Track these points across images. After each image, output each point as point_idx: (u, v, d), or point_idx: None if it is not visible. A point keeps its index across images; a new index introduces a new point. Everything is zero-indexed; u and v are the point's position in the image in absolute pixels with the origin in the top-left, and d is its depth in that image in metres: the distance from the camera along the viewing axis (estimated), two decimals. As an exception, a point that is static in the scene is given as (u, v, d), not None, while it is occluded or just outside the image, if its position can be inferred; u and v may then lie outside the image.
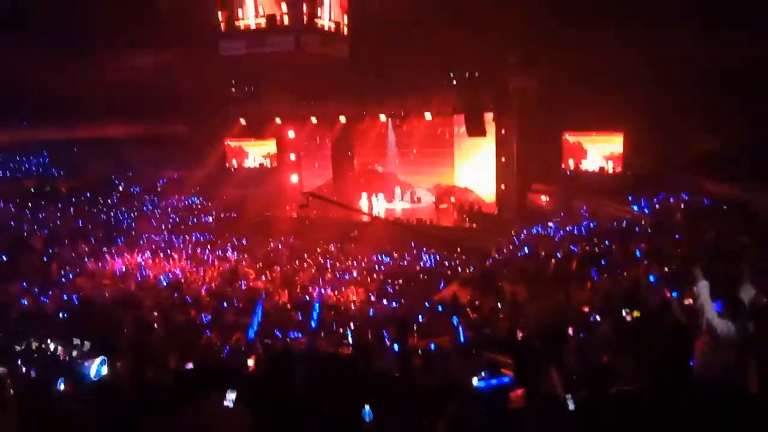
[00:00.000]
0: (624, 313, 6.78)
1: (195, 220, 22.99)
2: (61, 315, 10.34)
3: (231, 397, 3.60)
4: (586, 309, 8.13)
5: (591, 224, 16.91)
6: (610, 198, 18.45)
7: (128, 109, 24.77)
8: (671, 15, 16.86)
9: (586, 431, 4.21)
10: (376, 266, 17.86)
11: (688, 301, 6.16)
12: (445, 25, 20.36)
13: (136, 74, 23.55)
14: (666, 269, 9.11)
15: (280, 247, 20.47)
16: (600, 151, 20.50)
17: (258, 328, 8.46)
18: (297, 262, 18.12)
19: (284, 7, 16.82)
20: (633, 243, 12.35)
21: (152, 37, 20.51)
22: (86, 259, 16.24)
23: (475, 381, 5.00)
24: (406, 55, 20.41)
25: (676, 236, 11.85)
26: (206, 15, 17.75)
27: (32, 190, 21.77)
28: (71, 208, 20.94)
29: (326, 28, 17.91)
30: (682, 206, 15.10)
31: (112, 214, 21.81)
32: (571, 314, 8.01)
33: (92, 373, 5.17)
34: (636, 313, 6.58)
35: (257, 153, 26.89)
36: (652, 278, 8.54)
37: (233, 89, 24.11)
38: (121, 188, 24.36)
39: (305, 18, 16.72)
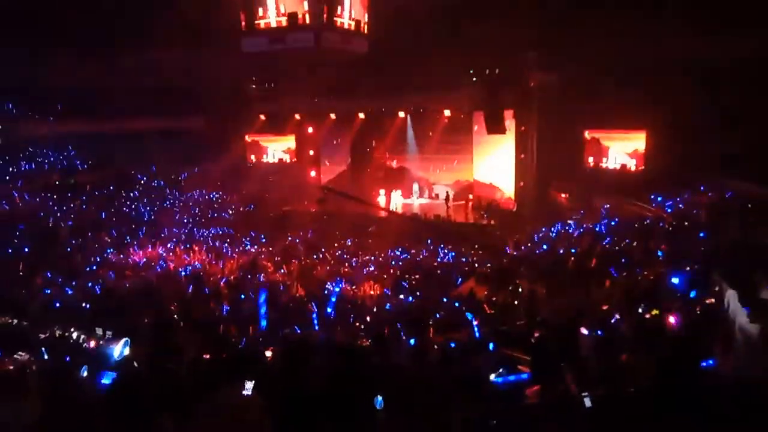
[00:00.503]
0: (642, 311, 6.70)
1: (215, 213, 23.26)
2: (84, 304, 10.56)
3: (249, 386, 3.65)
4: (605, 307, 8.05)
5: (611, 222, 16.72)
6: (631, 196, 18.22)
7: (152, 105, 25.14)
8: (694, 12, 16.58)
9: (601, 430, 4.20)
10: (393, 261, 17.89)
11: (709, 301, 6.08)
12: (465, 22, 20.26)
13: (159, 70, 23.88)
14: (687, 268, 8.97)
15: (297, 241, 20.62)
16: (621, 149, 20.24)
17: (273, 319, 8.55)
18: (314, 256, 18.23)
19: (305, 5, 16.89)
20: (653, 241, 12.19)
21: (175, 35, 20.76)
22: (109, 251, 16.55)
23: (492, 377, 5.00)
24: (425, 52, 20.34)
25: (699, 234, 11.66)
26: (229, 13, 17.91)
27: (57, 182, 22.24)
28: (95, 201, 21.34)
29: (346, 26, 17.94)
30: (705, 204, 14.85)
31: (134, 207, 22.17)
32: (590, 312, 7.94)
33: (116, 353, 5.29)
34: (655, 312, 6.50)
35: (277, 148, 27.10)
36: (672, 277, 8.42)
37: (254, 86, 24.29)
38: (143, 182, 24.74)
39: (325, 16, 16.77)
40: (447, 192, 23.17)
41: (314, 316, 9.55)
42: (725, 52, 15.80)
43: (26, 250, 15.90)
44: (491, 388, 4.88)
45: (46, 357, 6.02)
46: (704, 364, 4.71)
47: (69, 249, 16.34)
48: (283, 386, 4.07)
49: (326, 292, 12.87)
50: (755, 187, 14.57)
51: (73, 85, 23.36)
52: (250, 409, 3.67)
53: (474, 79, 20.22)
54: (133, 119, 25.57)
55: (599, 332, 6.61)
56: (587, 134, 20.77)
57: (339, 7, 17.52)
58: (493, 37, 19.23)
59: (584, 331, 6.26)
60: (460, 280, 14.98)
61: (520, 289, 11.93)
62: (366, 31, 19.29)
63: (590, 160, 20.85)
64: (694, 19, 16.63)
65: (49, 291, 11.96)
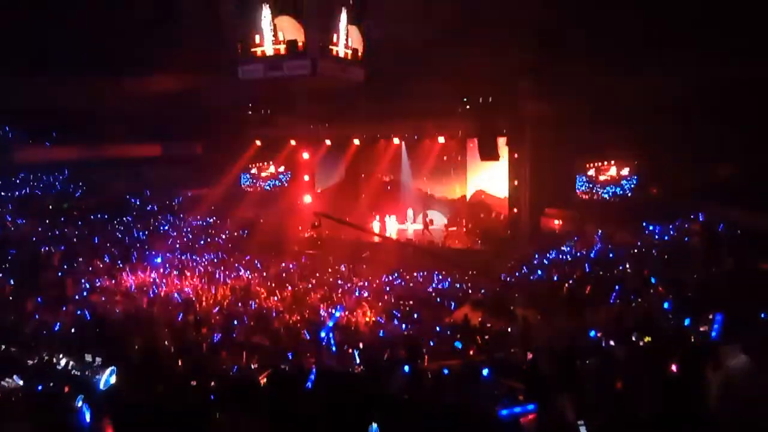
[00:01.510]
0: (635, 339, 6.69)
1: (208, 239, 23.16)
2: (73, 330, 10.42)
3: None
4: (599, 334, 8.03)
5: (605, 249, 16.78)
6: (624, 223, 18.33)
7: (147, 130, 25.28)
8: (686, 42, 16.96)
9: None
10: (387, 287, 17.81)
11: (703, 329, 6.09)
12: (459, 51, 20.62)
13: (155, 96, 24.07)
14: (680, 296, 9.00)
15: (291, 266, 20.52)
16: (615, 177, 20.46)
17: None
18: (308, 282, 18.13)
19: (302, 33, 17.10)
20: (647, 268, 12.23)
21: (172, 61, 20.98)
22: (100, 276, 16.39)
23: (497, 409, 4.93)
24: (421, 80, 20.66)
25: (692, 262, 11.72)
26: (226, 40, 18.13)
27: (50, 207, 22.12)
28: (88, 226, 21.22)
29: (342, 54, 18.19)
30: (698, 232, 14.95)
31: (127, 232, 22.04)
32: (584, 339, 7.92)
33: (101, 383, 5.20)
34: (647, 339, 6.50)
35: (271, 174, 27.22)
36: (666, 305, 8.43)
37: (250, 111, 24.49)
38: (137, 206, 24.67)
39: (320, 46, 17.00)
40: (429, 218, 23.33)
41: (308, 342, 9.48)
42: (713, 81, 16.15)
43: (17, 275, 15.73)
44: (497, 422, 4.80)
45: (34, 383, 5.93)
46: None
47: (60, 274, 16.18)
48: (277, 413, 4.02)
49: (321, 318, 12.78)
50: (748, 215, 14.71)
51: (69, 110, 23.47)
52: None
53: (468, 106, 20.46)
54: (129, 145, 25.68)
55: (594, 359, 6.60)
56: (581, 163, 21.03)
57: (336, 36, 17.79)
58: (486, 65, 19.58)
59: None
60: (453, 306, 14.93)
61: (514, 316, 11.89)
62: (362, 59, 19.55)
63: (584, 187, 21.06)
64: (683, 49, 17.02)
65: (38, 316, 11.82)
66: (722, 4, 15.87)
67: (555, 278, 14.56)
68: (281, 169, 27.04)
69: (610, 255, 15.61)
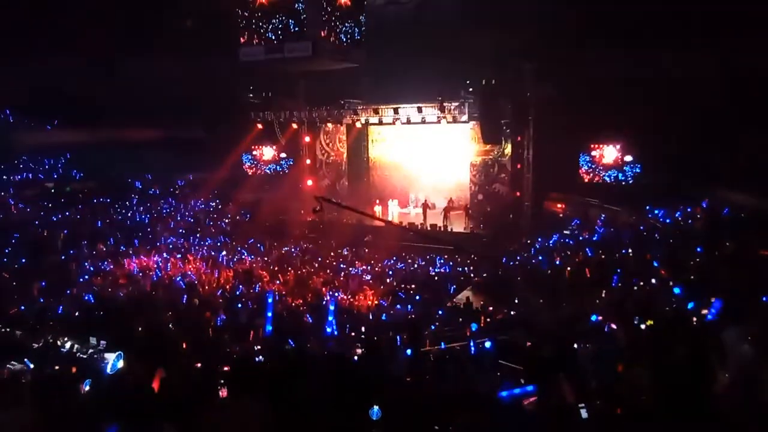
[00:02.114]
0: (637, 322, 6.70)
1: (211, 222, 23.19)
2: (77, 314, 10.49)
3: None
4: (600, 318, 8.05)
5: (607, 233, 16.76)
6: (627, 207, 18.28)
7: (149, 114, 25.16)
8: (687, 29, 16.79)
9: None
10: (389, 271, 17.86)
11: (705, 312, 6.10)
12: (463, 33, 20.41)
13: (158, 80, 23.94)
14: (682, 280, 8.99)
15: (294, 250, 20.57)
16: (618, 160, 20.36)
17: (273, 329, 8.51)
18: (311, 265, 18.18)
19: (304, 15, 16.90)
20: (649, 252, 12.21)
21: (174, 44, 20.83)
22: (104, 260, 16.45)
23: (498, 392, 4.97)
24: (423, 63, 20.48)
25: (695, 246, 11.68)
26: (227, 24, 17.97)
27: (52, 190, 22.13)
28: (91, 210, 21.24)
29: (343, 36, 18.04)
30: (700, 216, 14.90)
31: (130, 215, 22.08)
32: (585, 323, 7.94)
33: (108, 367, 5.25)
34: (649, 322, 6.51)
35: (274, 157, 27.16)
36: (677, 290, 8.42)
37: (251, 94, 24.36)
38: (139, 189, 24.67)
39: (322, 31, 16.83)
40: (431, 202, 23.31)
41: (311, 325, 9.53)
42: (716, 67, 16.02)
43: (21, 259, 15.80)
44: (496, 402, 4.84)
45: (40, 366, 5.98)
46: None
47: (64, 258, 16.25)
48: (280, 395, 4.05)
49: (323, 302, 12.83)
50: (750, 198, 14.64)
51: (71, 94, 23.39)
52: (245, 416, 3.66)
53: (471, 89, 20.30)
54: (131, 128, 25.58)
55: (595, 343, 6.63)
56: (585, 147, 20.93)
57: (337, 17, 17.62)
58: (490, 48, 19.39)
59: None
60: (454, 289, 14.98)
61: (516, 299, 11.93)
62: (363, 40, 19.38)
63: (587, 170, 20.98)
64: (685, 35, 16.86)
65: (42, 300, 11.90)
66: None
67: (557, 262, 14.57)
68: (283, 154, 26.96)
69: (612, 238, 15.60)
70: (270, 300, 8.85)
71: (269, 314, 8.69)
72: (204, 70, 23.75)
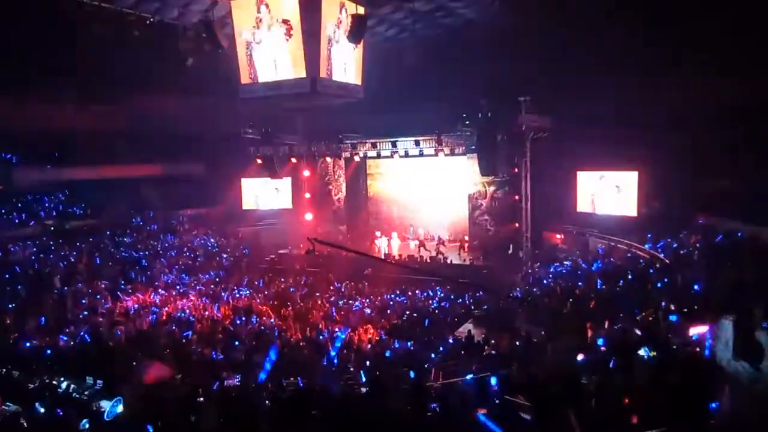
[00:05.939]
0: (641, 353, 6.63)
1: (210, 257, 23.10)
2: (74, 353, 10.34)
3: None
4: (604, 349, 7.97)
5: (607, 263, 16.73)
6: (626, 237, 18.30)
7: (148, 150, 25.42)
8: (684, 57, 17.15)
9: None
10: (390, 304, 17.72)
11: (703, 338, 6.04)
12: (459, 67, 20.82)
13: (156, 117, 24.27)
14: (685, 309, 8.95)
15: (293, 284, 20.44)
16: (616, 191, 20.44)
17: (272, 368, 8.38)
18: (310, 300, 18.03)
19: (302, 52, 17.14)
20: (650, 282, 12.18)
21: (175, 82, 21.17)
22: (102, 297, 16.32)
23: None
24: (420, 96, 20.82)
25: (695, 275, 11.66)
26: (227, 61, 18.27)
27: (52, 228, 22.08)
28: (90, 247, 21.16)
29: (342, 72, 18.33)
30: (699, 245, 14.92)
31: (128, 252, 21.96)
32: (589, 356, 7.85)
33: (106, 413, 5.15)
34: (653, 353, 6.44)
35: (273, 192, 27.30)
36: (671, 317, 8.39)
37: (251, 130, 24.65)
38: (139, 226, 24.64)
39: (320, 70, 17.07)
40: (429, 234, 23.30)
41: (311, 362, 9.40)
42: (713, 96, 16.31)
43: (18, 296, 15.67)
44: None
45: (36, 408, 5.87)
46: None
47: (61, 296, 16.11)
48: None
49: (321, 338, 12.70)
50: (746, 226, 14.70)
51: (72, 131, 23.64)
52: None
53: (468, 122, 20.55)
54: (132, 165, 25.79)
55: (600, 375, 6.54)
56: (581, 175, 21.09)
57: (335, 53, 17.91)
58: (486, 81, 19.76)
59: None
60: (457, 321, 14.85)
61: (518, 332, 11.81)
62: (362, 76, 19.68)
63: (585, 202, 21.05)
64: (682, 64, 17.21)
65: (38, 339, 11.75)
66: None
67: (558, 294, 14.49)
68: (283, 186, 27.11)
69: (612, 269, 15.56)
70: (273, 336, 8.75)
71: (271, 352, 8.59)
72: (203, 106, 24.15)
